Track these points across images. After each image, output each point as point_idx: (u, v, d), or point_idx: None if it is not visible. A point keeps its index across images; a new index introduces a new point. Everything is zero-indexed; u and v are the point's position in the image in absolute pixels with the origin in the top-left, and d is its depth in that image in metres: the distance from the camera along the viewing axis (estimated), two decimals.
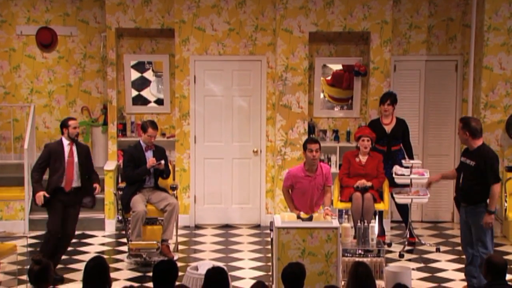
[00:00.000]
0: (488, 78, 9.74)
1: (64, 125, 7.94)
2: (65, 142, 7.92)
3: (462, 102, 10.21)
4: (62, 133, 7.97)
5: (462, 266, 7.81)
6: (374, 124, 9.33)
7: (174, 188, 9.01)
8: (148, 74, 10.41)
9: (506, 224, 9.66)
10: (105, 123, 10.44)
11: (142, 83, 10.38)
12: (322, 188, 7.90)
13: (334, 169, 9.79)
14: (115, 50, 10.06)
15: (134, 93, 10.39)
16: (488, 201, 7.12)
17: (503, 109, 9.77)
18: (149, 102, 10.44)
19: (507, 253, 8.94)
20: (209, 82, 10.10)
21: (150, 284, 6.81)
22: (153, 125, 8.62)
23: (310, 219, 7.32)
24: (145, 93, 10.41)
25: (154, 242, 8.36)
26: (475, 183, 7.15)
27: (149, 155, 8.62)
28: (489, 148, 7.27)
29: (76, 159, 7.88)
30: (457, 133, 7.54)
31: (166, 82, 10.34)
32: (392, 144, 9.34)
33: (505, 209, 9.42)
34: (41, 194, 7.75)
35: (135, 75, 10.37)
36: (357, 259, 7.43)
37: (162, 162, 8.55)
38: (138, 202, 8.45)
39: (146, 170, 8.52)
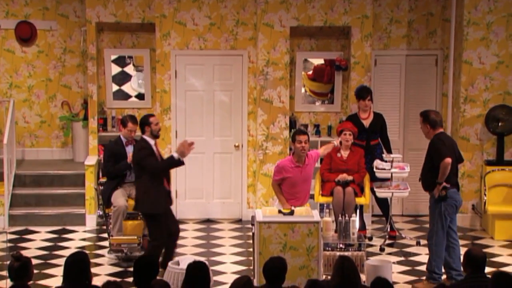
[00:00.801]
0: (467, 73, 9.79)
1: (145, 123, 7.63)
2: (151, 141, 7.65)
3: (442, 96, 10.26)
4: (143, 132, 7.65)
5: None
6: (352, 119, 9.35)
7: None
8: (129, 69, 10.36)
9: (485, 218, 9.74)
10: (85, 118, 10.38)
11: (122, 78, 10.33)
12: (313, 178, 7.96)
13: (317, 164, 9.80)
14: (95, 45, 10.00)
15: (115, 87, 10.34)
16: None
17: (483, 103, 9.82)
18: (130, 96, 10.40)
19: (487, 246, 9.01)
20: (190, 77, 10.07)
21: (131, 279, 6.78)
22: (133, 119, 8.58)
23: (291, 213, 7.32)
24: (125, 87, 10.36)
25: (135, 237, 8.34)
26: (427, 169, 7.39)
27: (129, 150, 8.56)
28: (440, 135, 7.45)
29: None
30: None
31: (147, 77, 10.30)
32: (371, 138, 9.37)
33: (484, 203, 9.49)
34: (181, 146, 7.43)
35: (115, 69, 10.31)
36: (338, 253, 7.45)
37: None
38: (119, 197, 8.42)
39: (127, 165, 8.48)
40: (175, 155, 7.53)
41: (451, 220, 7.44)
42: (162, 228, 7.63)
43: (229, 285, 5.28)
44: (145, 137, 7.71)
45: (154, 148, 7.70)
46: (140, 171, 7.61)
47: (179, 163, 7.54)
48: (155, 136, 7.72)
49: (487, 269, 5.91)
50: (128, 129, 8.55)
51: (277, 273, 5.36)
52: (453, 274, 7.48)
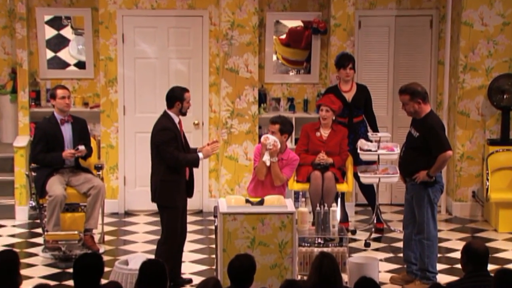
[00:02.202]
0: (467, 36, 9.83)
1: (179, 98, 7.56)
2: (176, 119, 7.62)
3: (438, 65, 10.31)
4: (171, 107, 7.60)
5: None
6: (332, 92, 9.35)
7: (99, 168, 8.97)
8: (66, 32, 10.27)
9: (487, 207, 9.83)
10: (14, 91, 10.28)
11: (59, 43, 10.25)
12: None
13: (290, 145, 9.80)
14: (25, 3, 9.89)
15: (50, 54, 10.25)
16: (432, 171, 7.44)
17: (485, 72, 9.89)
18: (68, 65, 10.33)
19: (489, 240, 9.11)
20: (140, 42, 10.02)
21: (71, 282, 6.76)
22: (61, 86, 8.64)
23: (260, 203, 7.33)
24: (63, 54, 10.28)
25: (76, 233, 8.31)
26: (418, 153, 7.48)
27: (66, 130, 8.55)
28: (435, 116, 7.64)
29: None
30: (400, 108, 7.80)
31: (89, 42, 10.21)
32: (354, 114, 9.40)
33: (487, 189, 9.59)
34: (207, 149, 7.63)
35: (50, 32, 10.21)
36: (316, 249, 7.49)
37: (82, 148, 8.48)
38: (56, 184, 8.38)
39: (60, 159, 8.47)
40: (201, 155, 7.65)
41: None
42: (177, 226, 7.62)
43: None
44: (170, 112, 7.63)
45: (178, 126, 7.66)
46: (158, 156, 7.56)
47: (197, 164, 7.67)
48: (183, 114, 7.71)
49: (490, 266, 5.96)
50: (60, 96, 8.50)
51: (244, 274, 5.38)
52: (413, 268, 7.69)
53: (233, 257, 5.52)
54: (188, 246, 8.77)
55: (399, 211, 10.08)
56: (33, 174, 8.61)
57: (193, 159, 7.63)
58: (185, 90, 7.73)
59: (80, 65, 10.31)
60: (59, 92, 8.56)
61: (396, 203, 10.48)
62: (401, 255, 8.11)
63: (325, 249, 7.43)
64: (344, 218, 9.41)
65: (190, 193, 7.81)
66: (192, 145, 10.11)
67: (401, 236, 8.81)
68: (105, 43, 9.92)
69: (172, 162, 7.51)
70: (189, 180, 7.77)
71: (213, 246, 8.10)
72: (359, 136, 9.28)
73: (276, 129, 7.91)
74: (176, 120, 7.66)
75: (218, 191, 10.09)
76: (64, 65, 10.31)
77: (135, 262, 7.02)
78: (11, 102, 10.38)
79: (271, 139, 7.80)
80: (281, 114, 9.05)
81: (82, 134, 8.72)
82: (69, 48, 10.29)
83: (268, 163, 7.78)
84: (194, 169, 7.78)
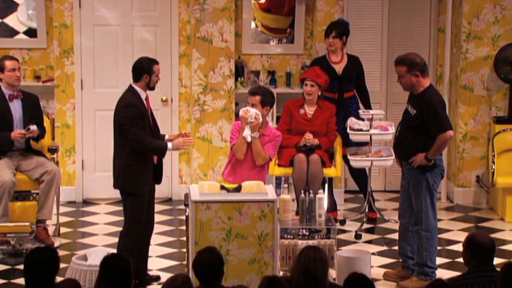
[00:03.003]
0: (471, 0, 9.85)
1: (147, 70, 7.56)
2: (143, 95, 7.60)
3: (438, 32, 10.34)
4: (138, 80, 7.59)
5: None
6: (319, 64, 9.34)
7: (53, 150, 8.96)
8: None
9: (493, 193, 9.88)
10: None
11: (5, 7, 10.23)
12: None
13: (271, 123, 9.79)
14: None
15: None
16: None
17: (491, 40, 9.92)
18: (16, 33, 10.30)
19: (495, 230, 9.16)
20: (99, 7, 10.00)
21: (21, 281, 6.73)
22: (9, 56, 8.63)
23: (237, 189, 7.33)
24: (10, 20, 10.27)
25: (27, 224, 8.30)
26: (415, 133, 7.51)
27: (15, 107, 8.52)
28: (435, 91, 7.67)
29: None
30: (395, 82, 7.82)
31: (40, 6, 10.17)
32: (345, 89, 9.41)
33: (492, 173, 9.62)
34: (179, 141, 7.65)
35: None
36: (300, 242, 7.50)
37: (33, 127, 8.45)
38: (3, 169, 8.37)
39: (8, 141, 8.45)
40: (170, 146, 7.63)
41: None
42: (142, 216, 7.61)
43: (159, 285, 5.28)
44: (136, 87, 7.61)
45: (145, 103, 7.62)
46: (122, 136, 7.54)
47: (164, 154, 7.64)
48: (151, 88, 7.69)
49: (496, 260, 5.98)
50: (9, 68, 8.48)
51: (213, 272, 5.38)
52: (410, 263, 7.73)
53: (196, 256, 5.52)
54: (155, 239, 8.76)
55: (394, 199, 10.12)
56: None
57: (160, 147, 7.60)
58: (154, 61, 7.73)
59: (31, 33, 10.26)
60: (8, 64, 8.50)
61: (390, 189, 10.52)
62: (396, 248, 8.14)
63: (310, 242, 7.45)
64: (332, 206, 9.43)
65: (158, 179, 7.79)
66: (161, 126, 10.13)
67: (396, 226, 8.83)
68: (59, 8, 9.86)
69: (136, 145, 7.48)
70: (157, 164, 7.74)
71: (184, 238, 8.13)
72: (350, 114, 9.27)
73: (257, 100, 7.92)
74: (143, 95, 7.64)
75: (189, 176, 10.08)
76: (12, 32, 10.27)
77: (94, 257, 7.02)
78: None
79: (252, 112, 7.78)
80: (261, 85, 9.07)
81: (33, 112, 8.68)
82: (17, 13, 10.25)
83: (249, 139, 7.77)
84: None
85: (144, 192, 7.59)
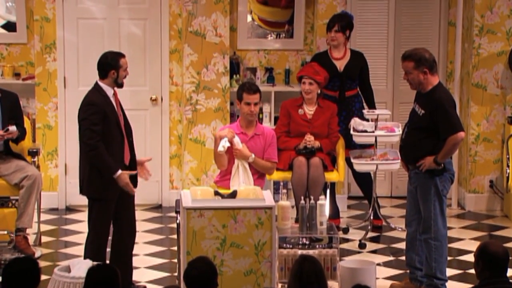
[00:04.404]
0: None
1: (114, 65, 7.51)
2: (109, 92, 7.56)
3: (448, 26, 10.36)
4: (104, 77, 7.55)
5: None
6: (320, 60, 9.36)
7: (34, 153, 8.98)
8: None
9: (508, 199, 9.90)
10: None
11: None
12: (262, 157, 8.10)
13: (267, 124, 9.81)
14: None
15: None
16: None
17: (505, 35, 9.95)
18: None
19: (510, 239, 9.18)
20: None
21: None
22: None
23: (233, 195, 7.34)
24: None
25: (5, 233, 8.38)
26: (423, 135, 7.53)
27: None
28: (444, 90, 7.69)
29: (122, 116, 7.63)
30: (402, 79, 7.84)
31: None
32: (347, 87, 9.43)
33: (507, 177, 9.65)
34: (126, 175, 7.44)
35: None
36: (300, 251, 7.51)
37: (12, 128, 8.46)
38: None
39: None
40: (118, 173, 7.41)
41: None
42: (107, 223, 7.59)
43: None
44: (102, 84, 7.58)
45: (113, 100, 7.59)
46: None
47: (107, 175, 7.44)
48: (120, 85, 7.65)
49: (510, 272, 6.01)
50: None
51: (206, 283, 5.37)
52: (418, 275, 7.74)
53: (186, 267, 5.51)
54: (144, 249, 8.77)
55: (400, 205, 10.14)
56: None
57: (108, 166, 7.42)
58: (121, 55, 7.71)
59: (10, 26, 10.28)
60: None
61: (397, 195, 10.54)
62: (403, 258, 8.15)
63: (310, 251, 7.47)
64: (335, 213, 9.45)
65: (132, 183, 7.68)
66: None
67: (403, 235, 8.85)
68: (41, 0, 9.87)
69: (86, 148, 7.41)
70: (130, 165, 7.66)
71: (175, 248, 8.12)
72: (352, 114, 9.30)
73: (257, 99, 7.97)
74: (110, 92, 7.61)
75: (180, 181, 10.10)
76: None
77: (78, 269, 7.01)
78: None
79: (236, 138, 7.92)
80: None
81: (12, 111, 8.68)
82: None
83: (223, 151, 7.85)
84: (152, 155, 7.74)
85: (111, 198, 7.54)
